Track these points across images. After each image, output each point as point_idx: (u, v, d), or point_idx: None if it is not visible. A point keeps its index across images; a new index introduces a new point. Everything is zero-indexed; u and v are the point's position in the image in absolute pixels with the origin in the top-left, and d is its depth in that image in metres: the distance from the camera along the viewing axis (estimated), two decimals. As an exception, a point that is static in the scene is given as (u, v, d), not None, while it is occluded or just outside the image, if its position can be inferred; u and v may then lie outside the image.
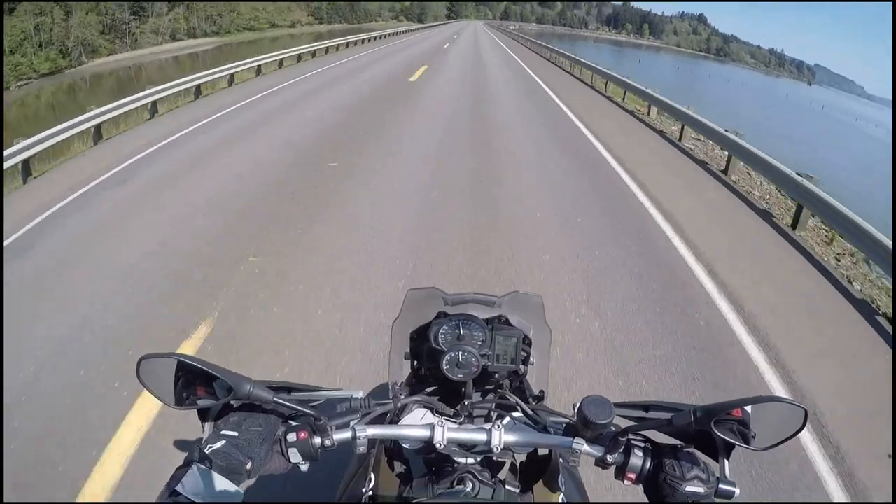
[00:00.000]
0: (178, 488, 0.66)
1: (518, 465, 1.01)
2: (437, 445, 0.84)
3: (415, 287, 1.27)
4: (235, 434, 0.76)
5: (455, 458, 0.89)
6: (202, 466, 0.69)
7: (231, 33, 38.61)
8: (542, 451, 1.01)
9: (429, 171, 6.13)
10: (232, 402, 0.80)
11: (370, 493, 0.89)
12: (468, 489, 0.83)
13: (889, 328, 3.78)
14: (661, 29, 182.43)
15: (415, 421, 0.92)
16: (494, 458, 0.92)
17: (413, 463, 1.02)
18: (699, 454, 0.80)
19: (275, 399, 0.78)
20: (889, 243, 4.25)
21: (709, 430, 0.73)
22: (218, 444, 0.73)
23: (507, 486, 0.87)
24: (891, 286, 4.58)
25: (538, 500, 0.92)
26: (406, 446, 0.94)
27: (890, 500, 2.29)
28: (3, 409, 2.49)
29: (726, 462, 0.77)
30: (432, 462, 0.94)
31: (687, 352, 3.12)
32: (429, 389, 1.09)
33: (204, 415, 0.81)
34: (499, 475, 0.93)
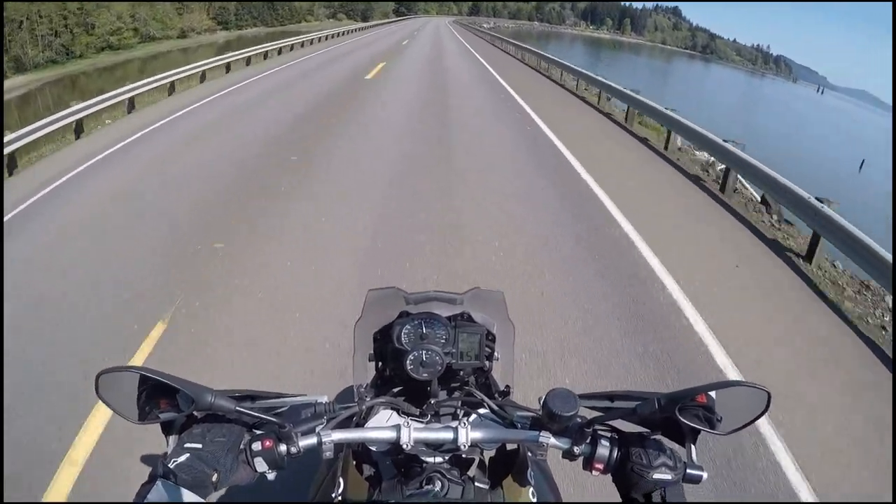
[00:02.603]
0: None
1: (487, 460, 1.14)
2: (404, 446, 0.94)
3: (375, 287, 1.33)
4: (199, 446, 0.82)
5: (423, 458, 0.98)
6: (167, 482, 0.76)
7: (83, 57, 28.83)
8: (511, 446, 1.11)
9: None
10: (195, 414, 0.87)
11: (339, 498, 0.98)
12: (437, 488, 0.91)
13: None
14: (643, 24, 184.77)
15: (380, 423, 1.02)
16: (463, 456, 1.03)
17: (382, 465, 1.09)
18: (666, 441, 0.90)
19: (237, 408, 0.85)
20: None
21: (674, 417, 0.82)
22: (182, 458, 0.80)
23: (476, 483, 0.97)
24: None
25: (508, 495, 1.01)
26: (373, 449, 1.03)
27: (890, 500, 2.54)
28: (2, 411, 2.69)
29: (693, 447, 0.88)
30: (401, 463, 1.02)
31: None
32: (395, 390, 1.19)
33: (168, 428, 0.87)
34: (468, 472, 1.03)
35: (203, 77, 14.20)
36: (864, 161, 33.35)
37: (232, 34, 43.05)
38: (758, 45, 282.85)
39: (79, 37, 28.05)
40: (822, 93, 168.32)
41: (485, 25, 74.57)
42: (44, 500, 2.37)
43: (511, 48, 26.62)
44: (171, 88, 12.47)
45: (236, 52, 16.91)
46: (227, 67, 15.90)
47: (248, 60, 17.42)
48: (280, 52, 20.54)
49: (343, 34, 31.91)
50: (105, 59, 29.82)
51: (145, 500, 0.73)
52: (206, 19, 40.99)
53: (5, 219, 5.09)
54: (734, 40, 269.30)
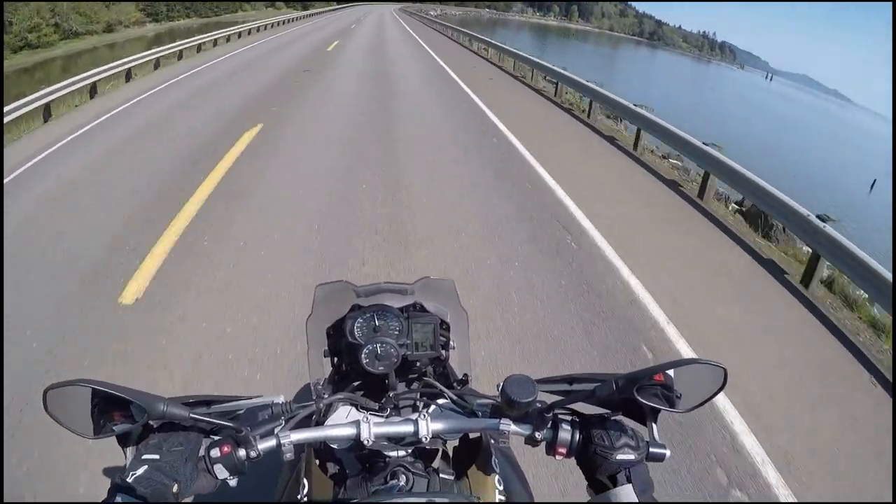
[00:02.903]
0: None
1: (451, 451, 1.15)
2: (365, 442, 0.94)
3: (323, 282, 1.32)
4: (157, 457, 0.81)
5: (386, 453, 0.99)
6: (127, 497, 0.75)
7: None
8: (474, 435, 1.12)
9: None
10: (151, 423, 0.86)
11: (305, 499, 0.99)
12: (402, 483, 0.93)
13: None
14: (590, 11, 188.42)
15: (340, 420, 1.01)
16: (426, 448, 1.05)
17: (346, 462, 1.10)
18: (627, 421, 0.92)
19: (191, 415, 0.85)
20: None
21: (633, 398, 0.84)
22: (140, 471, 0.79)
23: (440, 475, 0.99)
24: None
25: (473, 483, 1.03)
26: (335, 447, 1.02)
27: (890, 500, 2.69)
28: (2, 411, 2.80)
29: (654, 426, 0.89)
30: (365, 459, 1.04)
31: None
32: (353, 385, 1.19)
33: (124, 440, 0.86)
34: (432, 464, 1.05)
35: (94, 91, 12.23)
36: (875, 181, 29.71)
37: (163, 26, 42.20)
38: (704, 32, 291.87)
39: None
40: (771, 80, 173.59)
41: (431, 13, 75.24)
42: (44, 500, 2.34)
43: (487, 49, 23.28)
44: (47, 113, 10.19)
45: (130, 58, 14.65)
46: (128, 75, 14.20)
47: (156, 63, 16.18)
48: (200, 48, 20.09)
49: (269, 27, 31.87)
50: (23, 59, 29.00)
51: None
52: (134, 11, 40.03)
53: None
54: (679, 27, 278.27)
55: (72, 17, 32.43)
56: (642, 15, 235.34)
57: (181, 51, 18.38)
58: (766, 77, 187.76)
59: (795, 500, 2.72)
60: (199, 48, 20.15)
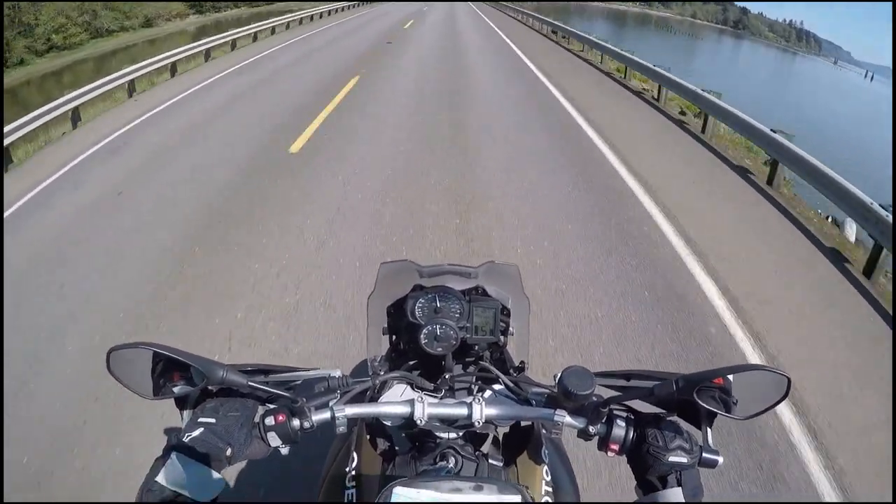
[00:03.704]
0: (159, 479, 0.75)
1: (501, 437, 1.16)
2: (418, 421, 0.94)
3: (387, 260, 1.35)
4: (213, 421, 0.84)
5: (437, 434, 1.00)
6: (182, 455, 0.78)
7: (25, 63, 24.71)
8: (526, 423, 1.12)
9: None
10: (210, 388, 0.88)
11: (353, 472, 1.01)
12: (451, 465, 0.93)
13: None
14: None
15: (394, 397, 1.02)
16: (477, 432, 1.04)
17: (396, 439, 1.11)
18: (682, 423, 0.90)
19: (249, 383, 0.87)
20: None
21: (691, 400, 0.82)
22: (196, 432, 0.82)
23: (489, 460, 0.99)
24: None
25: (522, 472, 1.03)
26: (387, 423, 1.03)
27: (890, 500, 2.63)
28: (2, 412, 2.85)
29: (709, 431, 0.88)
30: (415, 437, 1.04)
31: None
32: (410, 363, 1.22)
33: (182, 403, 0.89)
34: (482, 448, 1.05)
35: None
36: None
37: (207, 18, 38.70)
38: (790, 21, 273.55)
39: (14, 41, 24.02)
40: (872, 79, 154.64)
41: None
42: (44, 501, 2.43)
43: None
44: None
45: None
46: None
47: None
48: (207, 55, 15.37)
49: (331, 14, 27.21)
50: (48, 64, 25.75)
51: (160, 474, 0.75)
52: (175, 3, 36.67)
53: None
54: (761, 13, 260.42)
55: (102, 14, 29.09)
56: (725, 1, 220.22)
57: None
58: (866, 76, 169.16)
59: (839, 501, 2.64)
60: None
